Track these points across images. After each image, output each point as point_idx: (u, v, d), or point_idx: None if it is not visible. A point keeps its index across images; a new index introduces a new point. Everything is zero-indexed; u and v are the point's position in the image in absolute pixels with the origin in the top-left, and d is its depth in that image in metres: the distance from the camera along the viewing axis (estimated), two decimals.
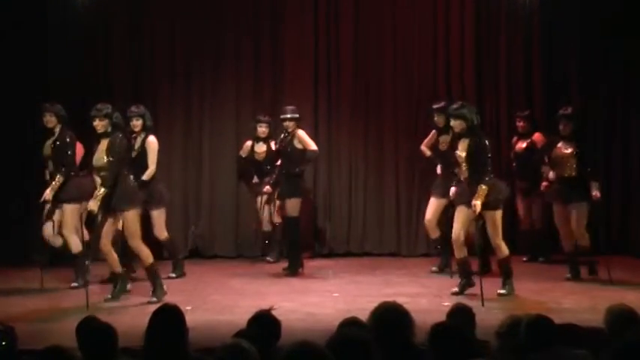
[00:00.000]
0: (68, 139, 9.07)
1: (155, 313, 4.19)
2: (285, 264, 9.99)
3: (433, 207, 9.82)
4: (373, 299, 5.32)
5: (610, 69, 11.10)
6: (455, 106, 8.66)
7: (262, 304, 5.06)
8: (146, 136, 9.33)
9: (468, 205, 8.27)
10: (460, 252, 8.47)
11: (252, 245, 11.13)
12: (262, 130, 10.48)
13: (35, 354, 4.26)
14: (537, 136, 10.36)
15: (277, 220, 10.39)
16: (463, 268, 8.53)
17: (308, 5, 11.34)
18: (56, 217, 9.10)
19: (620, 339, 3.75)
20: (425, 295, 8.52)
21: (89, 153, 8.72)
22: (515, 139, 10.60)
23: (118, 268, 8.39)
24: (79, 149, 9.39)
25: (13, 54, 10.69)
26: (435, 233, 9.95)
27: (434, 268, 9.97)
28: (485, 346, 4.64)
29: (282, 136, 9.96)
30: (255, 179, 10.54)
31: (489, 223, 8.38)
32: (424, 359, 4.14)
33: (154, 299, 8.11)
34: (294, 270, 9.82)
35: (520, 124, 10.52)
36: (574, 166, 9.24)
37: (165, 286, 8.42)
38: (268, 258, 10.59)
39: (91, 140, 8.60)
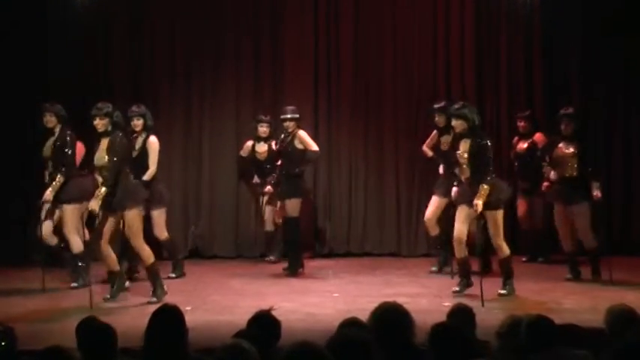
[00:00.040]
0: (68, 139, 9.06)
1: (155, 314, 4.18)
2: (285, 264, 9.99)
3: (434, 205, 9.82)
4: (373, 299, 5.31)
5: (611, 68, 11.09)
6: (456, 106, 8.67)
7: (262, 305, 5.04)
8: (147, 136, 9.32)
9: (470, 204, 8.27)
10: (461, 252, 8.46)
11: (252, 245, 11.14)
12: (263, 129, 10.46)
13: (35, 354, 4.25)
14: (538, 136, 10.35)
15: (278, 220, 10.39)
16: (463, 268, 8.52)
17: (308, 5, 11.34)
18: (55, 217, 9.10)
19: (620, 339, 3.75)
20: (425, 296, 8.51)
21: (90, 152, 8.72)
22: (516, 139, 10.59)
23: (116, 267, 8.37)
24: (80, 149, 9.39)
25: (13, 54, 10.69)
26: (434, 231, 9.95)
27: (433, 268, 9.98)
28: (486, 346, 4.64)
29: (283, 136, 9.95)
30: (257, 179, 10.53)
31: (490, 222, 8.38)
32: None
33: (154, 299, 8.10)
34: (294, 270, 9.81)
35: (521, 124, 10.51)
36: (575, 166, 9.23)
37: (165, 286, 8.41)
38: (270, 257, 10.59)
39: (92, 140, 8.59)
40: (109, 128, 8.26)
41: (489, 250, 8.90)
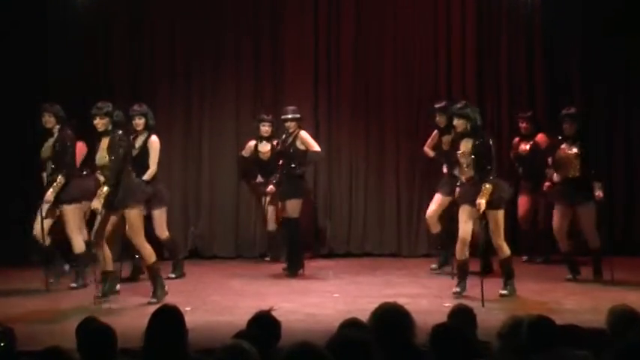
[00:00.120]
0: (67, 140, 9.06)
1: (154, 314, 4.18)
2: (284, 264, 9.98)
3: (437, 203, 9.80)
4: (373, 300, 5.29)
5: (612, 68, 11.08)
6: (459, 105, 8.67)
7: (262, 305, 5.03)
8: (148, 136, 9.32)
9: (472, 204, 8.26)
10: (462, 254, 8.44)
11: (251, 246, 11.13)
12: (265, 129, 10.43)
13: (34, 355, 4.24)
14: (541, 137, 10.33)
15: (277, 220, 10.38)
16: (462, 270, 8.50)
17: (308, 5, 11.34)
18: (53, 217, 9.07)
19: (622, 340, 3.74)
20: (425, 296, 8.50)
21: (92, 152, 8.71)
22: (516, 140, 10.56)
23: (110, 267, 8.35)
24: (81, 148, 9.38)
25: (13, 54, 10.68)
26: (435, 228, 9.94)
27: (433, 266, 10.00)
28: (487, 347, 4.63)
29: (284, 136, 9.95)
30: (260, 179, 10.50)
31: (492, 222, 8.38)
32: None
33: (154, 300, 8.09)
34: (294, 271, 9.80)
35: (523, 125, 10.48)
36: (578, 166, 9.22)
37: (166, 287, 8.40)
38: (266, 258, 10.58)
39: (93, 139, 8.58)
40: (109, 127, 8.25)
41: (490, 250, 8.89)
